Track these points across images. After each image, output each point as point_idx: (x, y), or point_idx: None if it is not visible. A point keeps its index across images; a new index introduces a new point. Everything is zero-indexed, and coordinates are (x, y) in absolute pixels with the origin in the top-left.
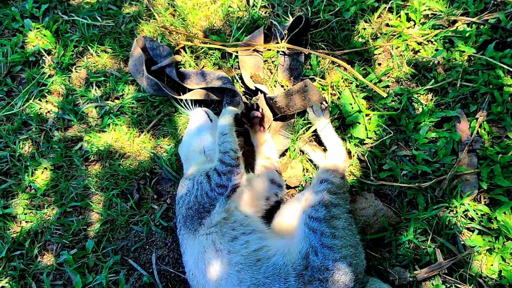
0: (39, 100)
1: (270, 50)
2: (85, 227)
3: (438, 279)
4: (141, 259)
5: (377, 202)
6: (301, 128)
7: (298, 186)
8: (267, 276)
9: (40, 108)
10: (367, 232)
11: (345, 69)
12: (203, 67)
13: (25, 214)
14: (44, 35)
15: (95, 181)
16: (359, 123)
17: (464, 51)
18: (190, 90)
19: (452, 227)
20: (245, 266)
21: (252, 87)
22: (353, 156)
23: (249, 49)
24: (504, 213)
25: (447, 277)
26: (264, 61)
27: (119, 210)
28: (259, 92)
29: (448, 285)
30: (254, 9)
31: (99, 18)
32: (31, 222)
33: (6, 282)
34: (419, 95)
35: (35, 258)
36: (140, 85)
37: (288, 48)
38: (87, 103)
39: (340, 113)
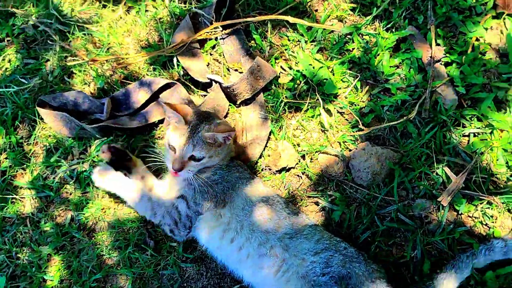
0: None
1: (208, 39)
2: None
3: (459, 196)
4: None
5: (375, 148)
6: (280, 108)
7: (298, 163)
8: None
9: (12, 201)
10: (377, 180)
11: (288, 29)
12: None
13: None
14: None
15: (105, 245)
16: (326, 79)
17: None
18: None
19: (449, 141)
20: None
21: (205, 79)
22: (333, 114)
23: (185, 44)
24: (489, 107)
25: (465, 191)
26: (209, 54)
27: (142, 263)
28: (213, 83)
29: (468, 197)
30: (172, 4)
31: (23, 80)
32: None
33: None
34: (366, 27)
35: None
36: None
37: (224, 28)
38: (56, 173)
39: (304, 78)
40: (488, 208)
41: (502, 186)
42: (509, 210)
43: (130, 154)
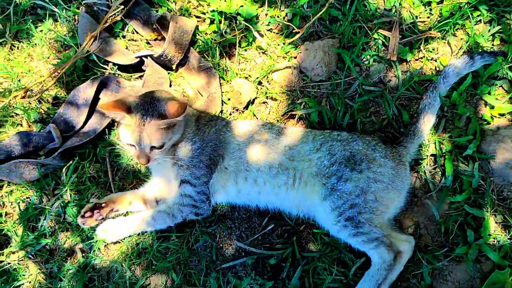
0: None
1: (114, 23)
2: None
3: (401, 48)
4: (227, 255)
5: (316, 43)
6: (216, 52)
7: (258, 92)
8: None
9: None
10: (331, 69)
11: None
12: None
13: None
14: None
15: (130, 255)
16: (241, 5)
17: None
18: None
19: (370, 7)
20: None
21: (134, 60)
22: (264, 34)
23: (96, 38)
24: None
25: (404, 40)
26: (122, 38)
27: (173, 247)
28: (145, 59)
29: (408, 45)
30: (60, 7)
31: None
32: None
33: None
34: None
35: None
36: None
37: (124, 5)
38: (42, 221)
39: (222, 14)
40: (428, 44)
41: (428, 23)
42: (443, 38)
43: (99, 201)
